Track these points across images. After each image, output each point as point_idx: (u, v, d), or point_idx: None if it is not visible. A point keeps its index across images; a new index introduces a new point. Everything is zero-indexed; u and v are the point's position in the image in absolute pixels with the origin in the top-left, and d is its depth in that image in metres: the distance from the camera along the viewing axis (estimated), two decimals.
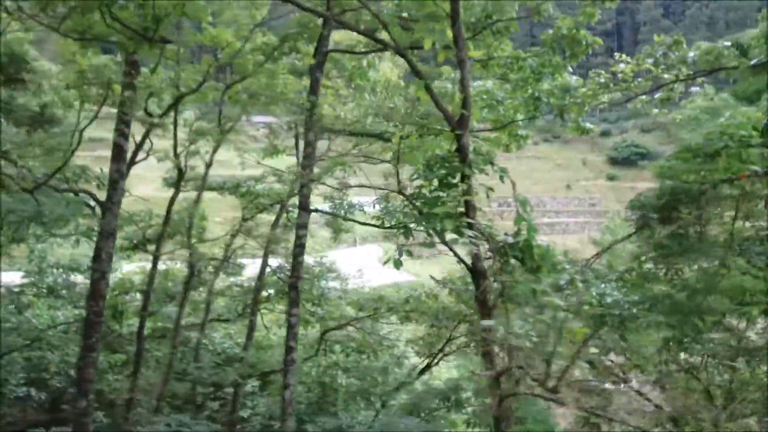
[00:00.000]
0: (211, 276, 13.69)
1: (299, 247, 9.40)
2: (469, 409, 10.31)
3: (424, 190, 5.48)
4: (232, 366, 11.78)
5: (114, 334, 16.02)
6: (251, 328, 13.37)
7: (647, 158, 75.30)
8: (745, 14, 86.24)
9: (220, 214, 26.99)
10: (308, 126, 9.29)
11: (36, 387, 14.89)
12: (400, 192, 6.04)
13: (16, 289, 17.42)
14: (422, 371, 12.31)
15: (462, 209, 5.19)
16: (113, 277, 17.54)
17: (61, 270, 17.18)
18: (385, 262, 5.21)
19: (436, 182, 5.39)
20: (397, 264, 4.67)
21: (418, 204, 5.38)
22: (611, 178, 72.47)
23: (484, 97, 11.82)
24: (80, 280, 17.34)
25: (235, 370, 11.59)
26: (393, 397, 11.69)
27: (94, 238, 11.42)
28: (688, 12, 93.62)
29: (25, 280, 16.89)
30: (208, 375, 11.22)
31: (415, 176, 5.62)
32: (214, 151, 11.77)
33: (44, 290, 15.65)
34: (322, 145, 17.36)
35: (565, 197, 68.95)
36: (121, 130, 8.38)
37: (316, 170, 9.98)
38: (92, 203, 10.58)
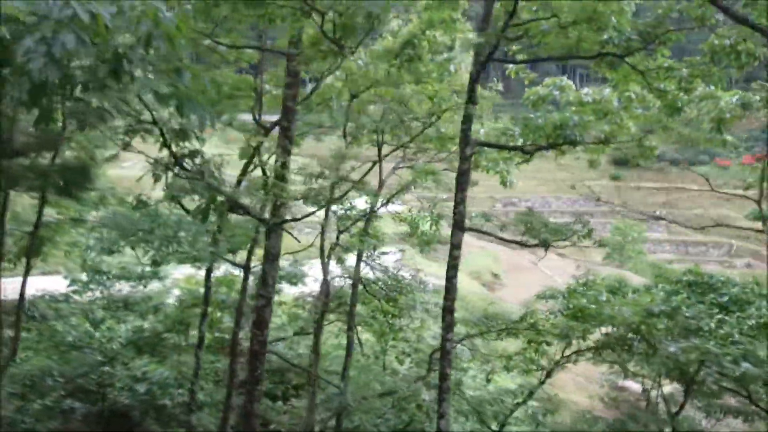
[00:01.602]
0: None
1: (453, 269, 8.86)
2: None
3: None
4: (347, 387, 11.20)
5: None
6: (350, 343, 12.76)
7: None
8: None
9: None
10: (465, 140, 8.74)
11: (75, 398, 14.14)
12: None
13: (61, 298, 16.77)
14: (539, 385, 11.87)
15: None
16: (155, 284, 16.85)
17: (114, 279, 16.52)
18: None
19: None
20: None
21: None
22: (615, 178, 72.50)
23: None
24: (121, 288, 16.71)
25: (351, 392, 11.02)
26: (540, 421, 11.22)
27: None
28: None
29: (71, 288, 16.28)
30: (340, 401, 10.62)
31: None
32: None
33: (120, 303, 14.90)
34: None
35: (570, 197, 68.88)
36: (284, 146, 7.76)
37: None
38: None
